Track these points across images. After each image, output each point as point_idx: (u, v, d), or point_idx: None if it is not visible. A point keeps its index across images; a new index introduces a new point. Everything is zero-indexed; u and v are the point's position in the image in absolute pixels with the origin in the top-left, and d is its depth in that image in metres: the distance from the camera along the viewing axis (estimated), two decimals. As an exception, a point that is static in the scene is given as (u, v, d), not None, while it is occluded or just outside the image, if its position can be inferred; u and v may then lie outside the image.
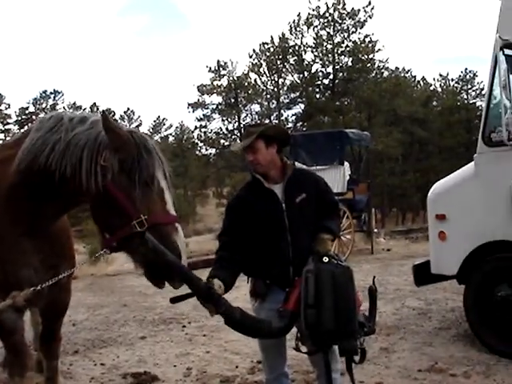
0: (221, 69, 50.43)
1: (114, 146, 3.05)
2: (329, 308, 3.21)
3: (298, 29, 48.44)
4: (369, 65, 48.15)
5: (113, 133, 3.04)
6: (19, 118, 52.81)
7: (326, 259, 3.39)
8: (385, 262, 12.84)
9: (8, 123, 52.87)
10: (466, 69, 59.97)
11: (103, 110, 3.12)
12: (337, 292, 3.25)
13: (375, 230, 15.86)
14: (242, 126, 50.82)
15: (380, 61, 49.16)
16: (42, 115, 3.65)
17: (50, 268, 3.61)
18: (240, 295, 5.57)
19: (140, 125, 76.44)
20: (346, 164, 14.80)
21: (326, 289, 3.25)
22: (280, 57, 48.83)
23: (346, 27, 47.38)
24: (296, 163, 3.67)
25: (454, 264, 5.94)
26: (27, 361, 3.74)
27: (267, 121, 49.52)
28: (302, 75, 48.92)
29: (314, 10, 47.19)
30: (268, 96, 51.20)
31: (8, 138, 57.26)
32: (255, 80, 50.48)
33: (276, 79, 50.35)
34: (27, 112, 58.17)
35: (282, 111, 51.36)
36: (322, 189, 3.80)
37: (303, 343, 3.38)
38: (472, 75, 58.79)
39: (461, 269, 5.89)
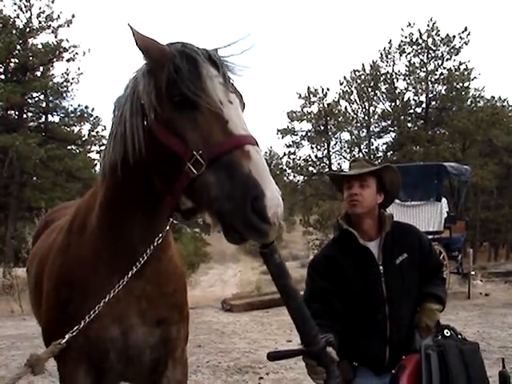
0: (311, 95, 49.98)
1: (150, 68, 2.13)
2: None
3: (389, 56, 47.55)
4: (464, 93, 46.41)
5: (146, 50, 2.10)
6: (113, 141, 54.35)
7: (447, 332, 2.70)
8: (484, 310, 11.67)
9: (103, 144, 54.61)
10: None
11: (128, 24, 2.11)
12: (469, 373, 2.53)
13: (472, 272, 14.65)
14: (331, 153, 50.19)
15: (475, 89, 47.50)
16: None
17: (156, 324, 2.57)
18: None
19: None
20: (444, 200, 13.79)
21: (456, 370, 2.52)
22: (371, 84, 47.95)
23: (440, 54, 45.96)
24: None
25: None
26: None
27: (357, 149, 48.76)
28: (393, 103, 47.76)
29: (406, 37, 46.18)
30: (358, 124, 50.30)
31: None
32: (345, 107, 49.74)
33: (367, 107, 49.48)
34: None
35: (373, 140, 50.34)
36: (425, 248, 3.14)
37: None
38: None
39: None
